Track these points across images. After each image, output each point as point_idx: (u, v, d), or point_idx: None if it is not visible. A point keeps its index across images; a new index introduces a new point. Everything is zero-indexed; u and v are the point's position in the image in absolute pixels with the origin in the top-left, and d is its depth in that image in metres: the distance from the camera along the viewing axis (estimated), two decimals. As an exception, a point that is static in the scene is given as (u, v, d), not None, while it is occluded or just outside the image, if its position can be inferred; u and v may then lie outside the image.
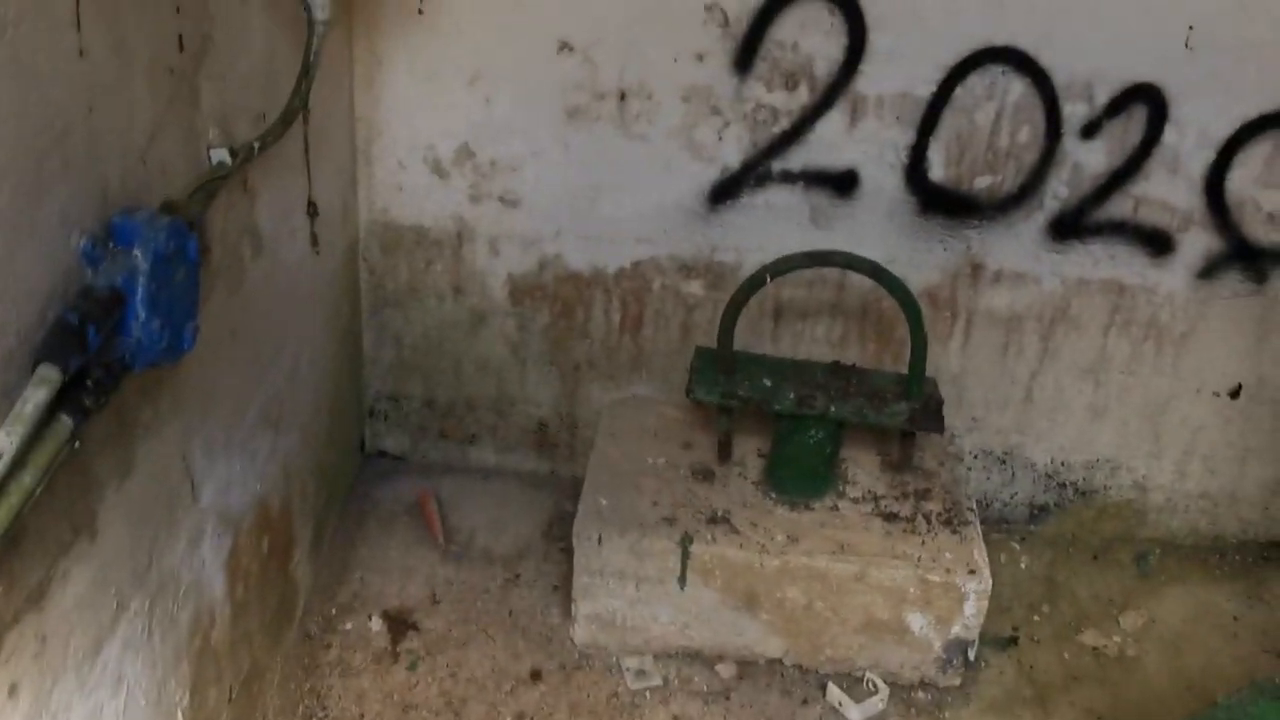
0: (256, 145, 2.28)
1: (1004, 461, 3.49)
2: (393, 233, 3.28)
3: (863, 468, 3.14)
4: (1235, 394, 3.37)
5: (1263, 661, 3.18)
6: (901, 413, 2.92)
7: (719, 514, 2.95)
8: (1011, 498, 3.55)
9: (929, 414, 2.93)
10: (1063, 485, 3.52)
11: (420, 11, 3.00)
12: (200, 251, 1.94)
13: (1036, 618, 3.26)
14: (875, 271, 2.86)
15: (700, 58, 3.01)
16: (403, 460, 3.61)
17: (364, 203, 3.24)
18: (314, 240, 2.84)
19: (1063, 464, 3.49)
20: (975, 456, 3.49)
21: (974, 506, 3.06)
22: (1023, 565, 3.43)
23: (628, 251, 3.26)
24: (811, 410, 2.89)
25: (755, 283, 2.86)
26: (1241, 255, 3.19)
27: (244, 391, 2.49)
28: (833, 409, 2.89)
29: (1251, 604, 3.36)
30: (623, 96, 3.06)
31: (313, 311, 2.94)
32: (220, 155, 2.18)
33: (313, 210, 2.80)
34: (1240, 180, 3.10)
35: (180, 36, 2.01)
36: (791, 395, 2.92)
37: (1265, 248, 3.18)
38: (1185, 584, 3.41)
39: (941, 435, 2.99)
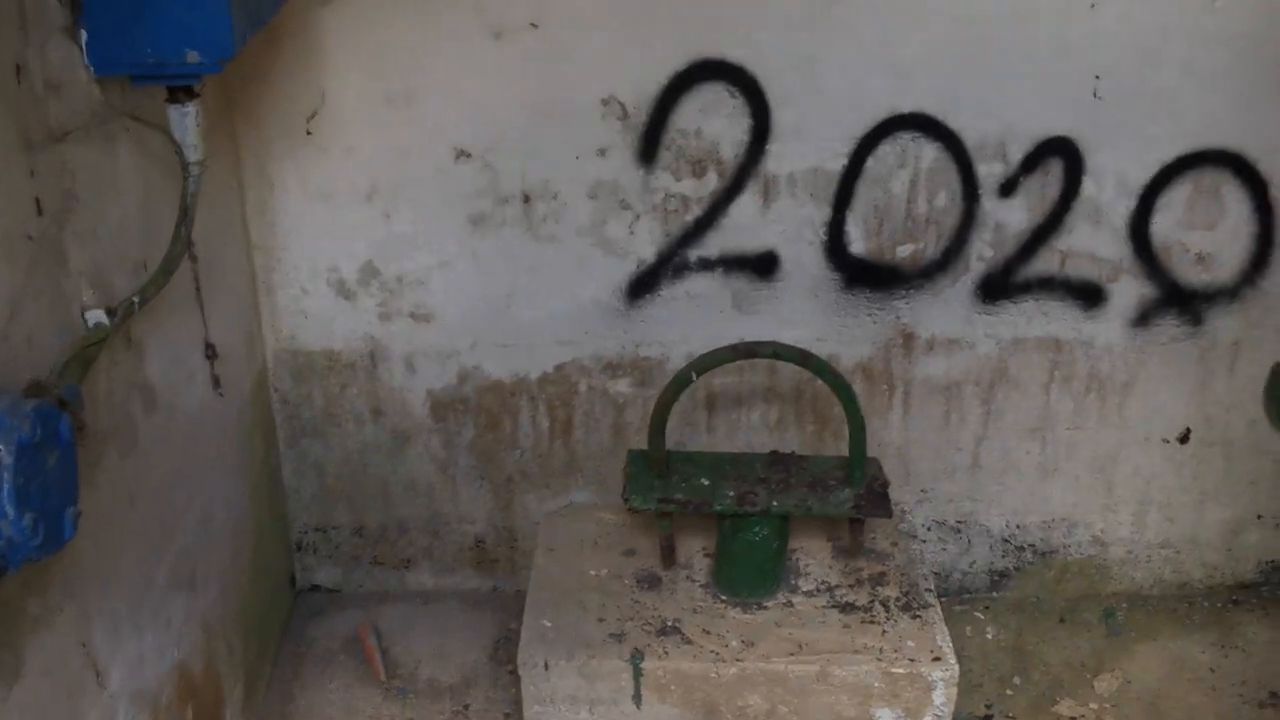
0: (137, 300, 2.14)
1: (959, 530, 3.39)
2: (303, 360, 3.14)
3: (814, 556, 3.03)
4: (1184, 438, 3.29)
5: (1245, 714, 3.08)
6: (846, 501, 2.80)
7: (669, 624, 2.82)
8: (970, 566, 3.44)
9: (875, 499, 2.82)
10: (1020, 548, 3.41)
11: (308, 132, 2.88)
12: (77, 428, 1.80)
13: (1009, 691, 3.14)
14: (804, 359, 2.76)
15: (602, 152, 2.91)
16: (337, 593, 3.44)
17: (269, 332, 3.10)
18: (215, 382, 2.70)
19: (1018, 527, 3.39)
20: (929, 528, 3.38)
21: (932, 586, 2.95)
22: (989, 636, 3.32)
23: (550, 355, 3.14)
24: (753, 508, 2.77)
25: (681, 382, 2.75)
26: (1175, 299, 3.12)
27: (150, 557, 2.34)
28: (775, 504, 2.78)
29: (1226, 652, 3.26)
30: (527, 199, 2.96)
31: (222, 455, 2.79)
32: (96, 317, 2.04)
33: (211, 352, 2.65)
34: (1164, 225, 3.04)
35: (37, 200, 1.88)
36: (731, 493, 2.80)
37: (1198, 289, 3.11)
38: (1156, 639, 3.31)
39: (890, 519, 2.87)
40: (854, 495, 2.81)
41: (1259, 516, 3.40)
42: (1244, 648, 3.28)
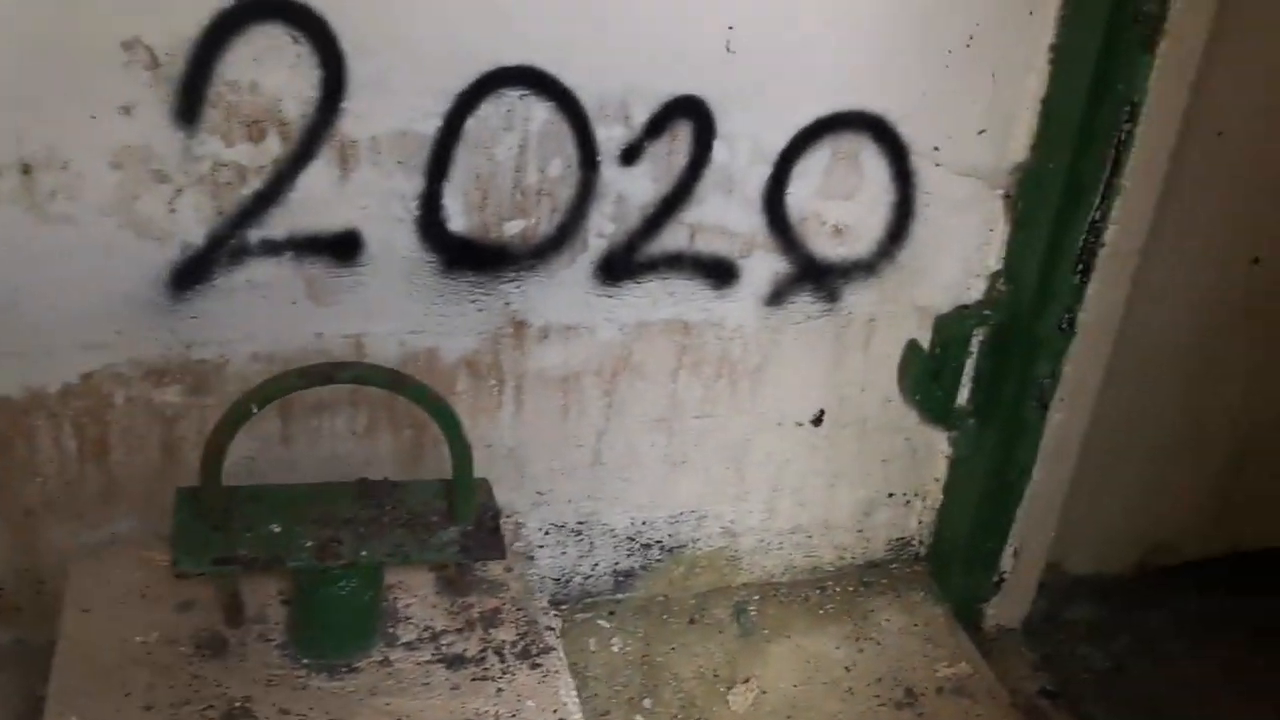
0: None
1: (579, 533, 3.00)
2: None
3: (415, 593, 2.55)
4: (818, 420, 3.03)
5: (883, 717, 2.89)
6: (451, 543, 2.33)
7: (237, 705, 2.27)
8: (593, 569, 3.07)
9: (484, 537, 2.36)
10: (647, 546, 3.08)
11: None
12: None
13: (639, 717, 2.82)
14: (396, 383, 2.24)
15: (128, 110, 2.25)
16: None
17: None
18: None
19: (644, 523, 3.04)
20: (546, 533, 2.98)
21: (554, 624, 2.54)
22: (615, 648, 2.98)
23: (73, 362, 2.48)
24: (337, 561, 2.25)
25: (238, 416, 2.18)
26: (810, 275, 2.81)
27: None
28: (364, 553, 2.27)
29: (861, 646, 3.06)
30: (27, 170, 2.26)
31: None
32: None
33: None
34: (801, 194, 2.71)
35: None
36: (310, 543, 2.26)
37: (834, 263, 2.82)
38: (790, 636, 3.06)
39: (504, 558, 2.42)
40: (460, 534, 2.35)
41: (890, 495, 3.21)
42: (878, 638, 3.09)
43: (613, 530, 3.02)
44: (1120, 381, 3.05)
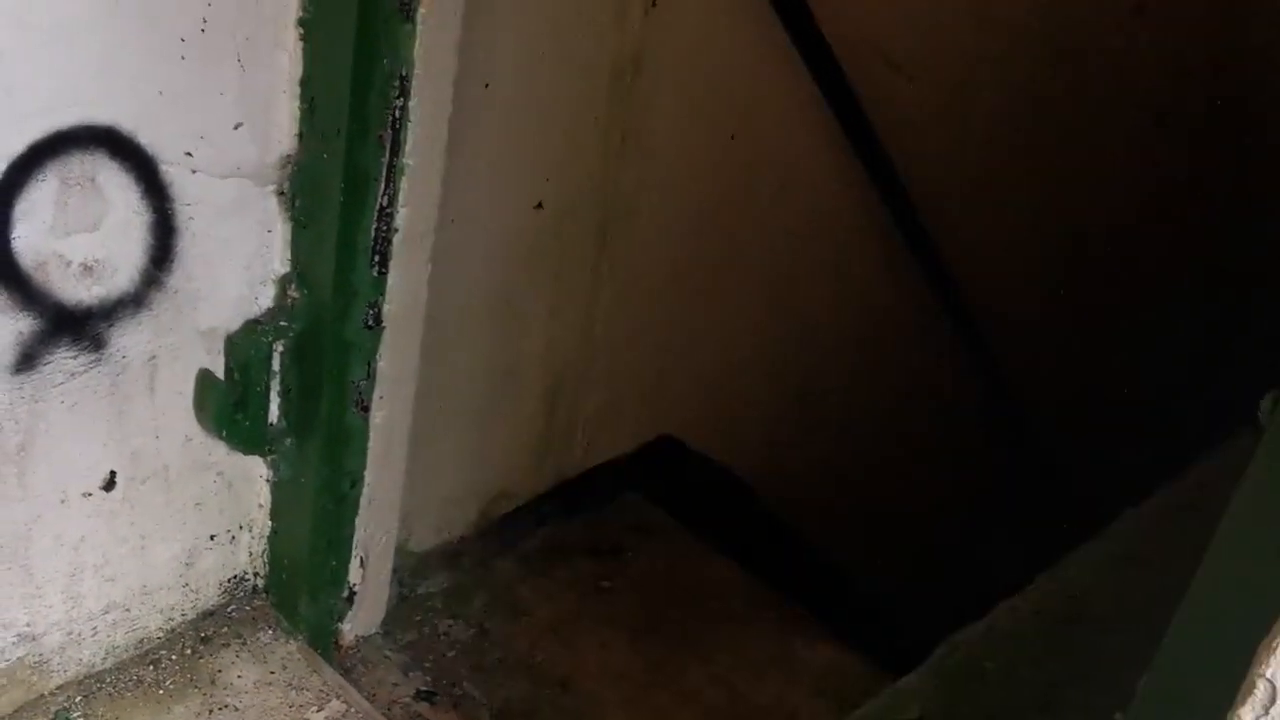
0: None
1: None
2: None
3: None
4: (110, 484, 2.53)
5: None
6: None
7: None
8: None
9: None
10: (-77, 688, 2.45)
11: None
12: None
13: None
14: None
15: None
16: None
17: None
18: None
19: (-87, 664, 2.41)
20: None
21: None
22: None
23: None
24: None
25: None
26: (64, 326, 2.29)
27: None
28: None
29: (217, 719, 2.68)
30: None
31: None
32: None
33: None
34: (31, 236, 2.17)
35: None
36: None
37: (91, 306, 2.32)
38: (130, 734, 2.61)
39: None
40: None
41: (212, 536, 2.80)
42: (234, 704, 2.71)
43: None
44: (433, 357, 2.85)
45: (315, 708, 2.75)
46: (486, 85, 2.72)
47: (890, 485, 4.60)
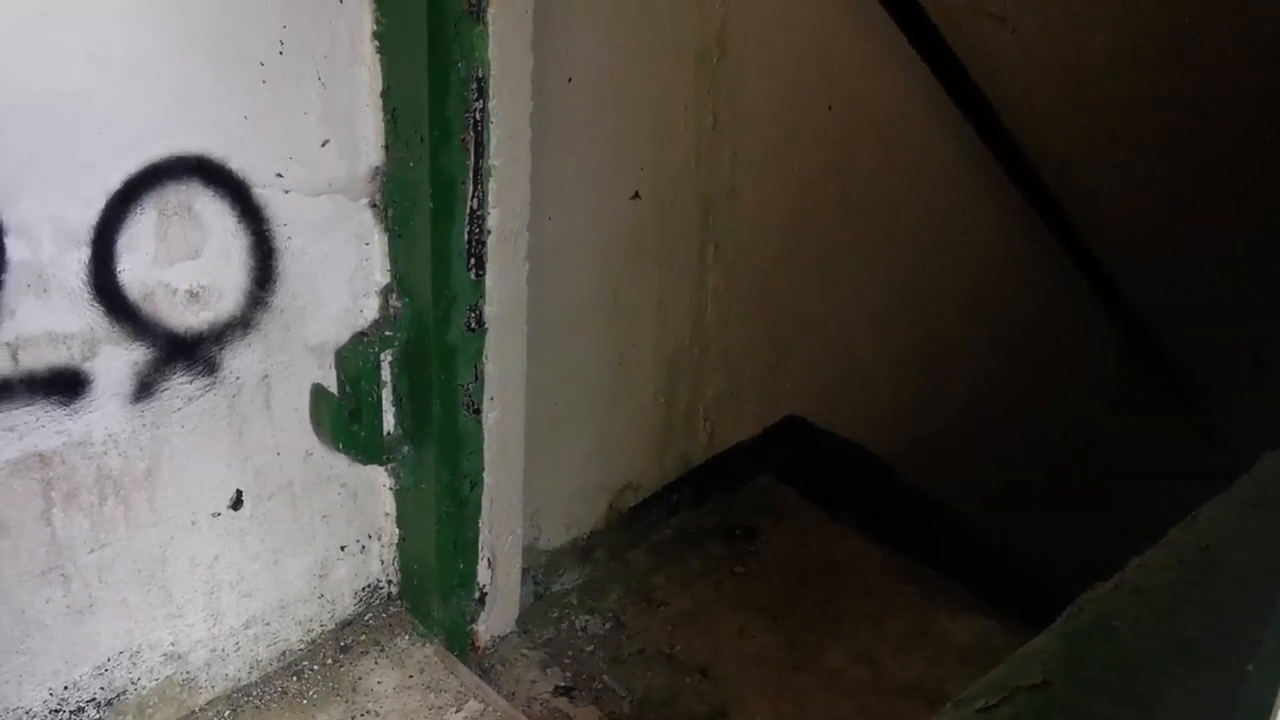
0: None
1: (-12, 731, 2.43)
2: None
3: None
4: (237, 503, 2.60)
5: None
6: None
7: None
8: (19, 763, 2.50)
9: None
10: (79, 711, 2.54)
11: None
12: None
13: None
14: None
15: None
16: None
17: None
18: None
19: (66, 689, 2.50)
20: (-58, 750, 2.38)
21: None
22: (77, 847, 2.45)
23: None
24: None
25: None
26: (177, 353, 2.36)
27: None
28: None
29: (361, 727, 2.74)
30: None
31: None
32: None
33: None
34: (136, 269, 2.24)
35: None
36: None
37: (201, 332, 2.38)
38: (281, 745, 2.68)
39: None
40: None
41: (343, 548, 2.86)
42: (375, 709, 2.76)
43: (29, 712, 2.46)
44: (544, 355, 2.87)
45: (454, 708, 2.79)
46: (569, 80, 2.72)
47: (1021, 450, 4.48)
